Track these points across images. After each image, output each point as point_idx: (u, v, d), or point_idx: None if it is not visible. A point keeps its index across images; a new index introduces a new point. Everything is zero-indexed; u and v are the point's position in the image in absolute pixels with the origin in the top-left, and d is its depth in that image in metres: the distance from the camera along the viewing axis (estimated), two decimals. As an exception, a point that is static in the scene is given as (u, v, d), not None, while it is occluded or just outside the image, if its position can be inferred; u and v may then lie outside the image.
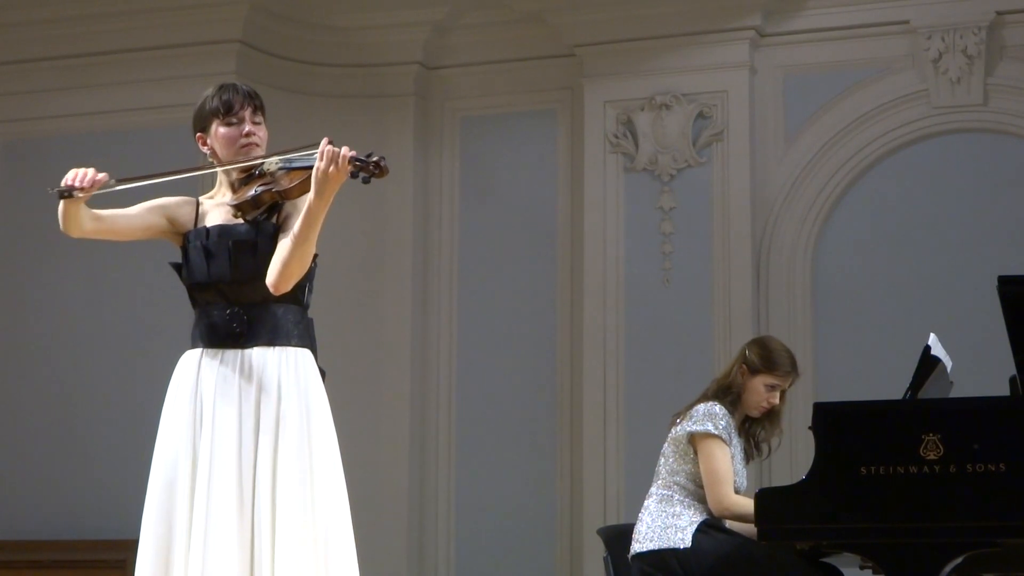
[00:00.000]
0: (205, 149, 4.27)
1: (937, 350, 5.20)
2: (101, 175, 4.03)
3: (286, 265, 4.01)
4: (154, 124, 8.20)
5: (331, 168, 3.90)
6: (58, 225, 4.11)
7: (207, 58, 8.25)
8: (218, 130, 4.22)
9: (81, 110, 8.53)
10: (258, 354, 4.11)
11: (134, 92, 8.44)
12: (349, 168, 3.92)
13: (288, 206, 4.13)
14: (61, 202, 4.07)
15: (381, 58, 8.64)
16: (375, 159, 3.92)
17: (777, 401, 5.50)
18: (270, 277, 4.04)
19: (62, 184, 4.02)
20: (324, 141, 3.94)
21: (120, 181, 4.12)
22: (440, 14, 8.51)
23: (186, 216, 4.24)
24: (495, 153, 8.59)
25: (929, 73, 7.81)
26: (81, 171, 4.03)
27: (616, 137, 8.13)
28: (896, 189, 7.87)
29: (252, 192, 4.12)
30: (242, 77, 7.98)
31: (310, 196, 3.94)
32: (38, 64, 8.64)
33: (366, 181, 3.94)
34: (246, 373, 4.09)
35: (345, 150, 3.92)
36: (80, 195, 4.01)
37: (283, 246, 4.02)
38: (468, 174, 8.61)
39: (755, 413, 5.51)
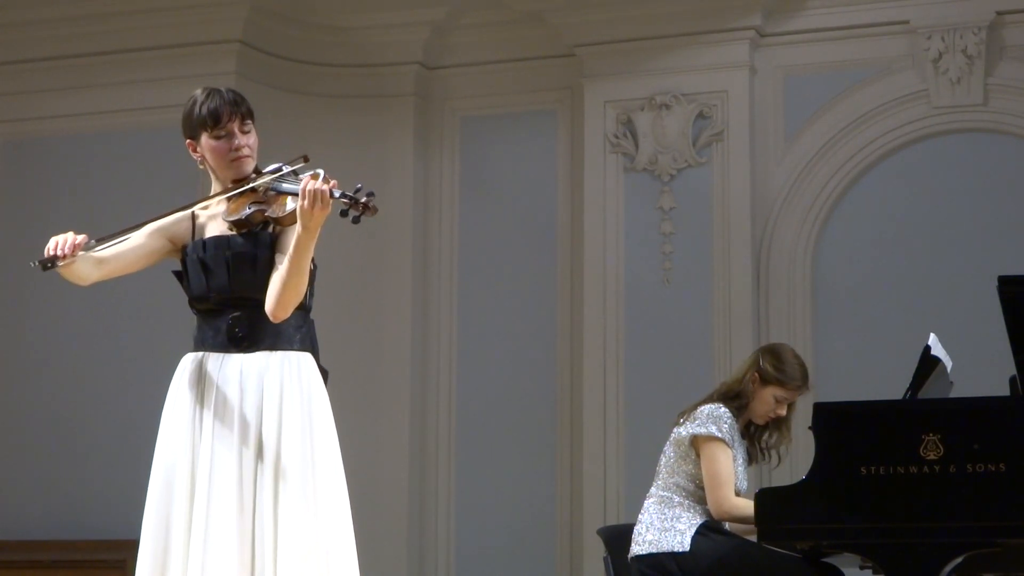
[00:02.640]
0: (196, 156, 4.26)
1: (937, 350, 5.20)
2: (80, 238, 4.01)
3: (281, 296, 4.01)
4: (154, 124, 8.19)
5: (315, 208, 3.88)
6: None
7: (207, 58, 8.25)
8: (208, 142, 4.20)
9: (81, 110, 8.53)
10: (260, 359, 4.10)
11: (134, 92, 8.43)
12: (340, 203, 3.88)
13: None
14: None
15: (381, 58, 8.63)
16: (364, 199, 3.88)
17: (784, 413, 5.50)
18: (268, 307, 4.03)
19: (44, 255, 3.98)
20: (308, 177, 3.91)
21: (99, 241, 4.08)
22: (440, 14, 8.51)
23: (183, 231, 4.23)
24: (495, 153, 8.58)
25: (929, 73, 7.81)
26: (60, 238, 4.01)
27: (616, 137, 8.13)
28: (896, 189, 7.86)
29: (246, 211, 4.11)
30: (242, 77, 8.00)
31: (297, 229, 3.93)
32: (38, 64, 8.63)
33: (356, 221, 3.90)
34: (247, 377, 4.08)
35: (329, 184, 3.87)
36: (62, 264, 3.98)
37: (276, 278, 4.02)
38: (468, 174, 8.60)
39: (761, 421, 5.51)
